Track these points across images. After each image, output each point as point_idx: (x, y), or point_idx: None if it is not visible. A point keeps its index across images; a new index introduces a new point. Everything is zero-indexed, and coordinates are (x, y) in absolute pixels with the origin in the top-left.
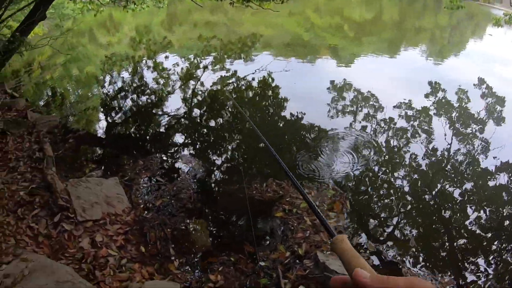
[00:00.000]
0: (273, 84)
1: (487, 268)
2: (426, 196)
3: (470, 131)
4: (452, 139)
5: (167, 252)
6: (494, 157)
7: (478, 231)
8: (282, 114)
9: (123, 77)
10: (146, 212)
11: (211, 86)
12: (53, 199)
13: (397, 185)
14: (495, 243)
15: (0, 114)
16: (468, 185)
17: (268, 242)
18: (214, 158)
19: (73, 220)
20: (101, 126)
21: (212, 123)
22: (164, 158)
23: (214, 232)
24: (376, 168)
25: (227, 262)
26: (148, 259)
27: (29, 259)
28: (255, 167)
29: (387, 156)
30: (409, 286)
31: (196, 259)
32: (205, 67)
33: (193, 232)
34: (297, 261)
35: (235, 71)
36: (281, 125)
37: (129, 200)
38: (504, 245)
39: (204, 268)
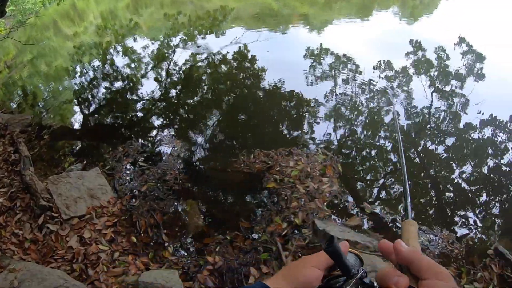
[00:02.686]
0: (249, 56)
1: (476, 221)
2: (411, 155)
3: (450, 89)
4: (432, 96)
5: (159, 238)
6: (478, 112)
7: (464, 185)
8: (261, 84)
9: (93, 65)
10: (132, 200)
11: (184, 64)
12: (34, 201)
13: (382, 145)
14: (483, 195)
15: None
16: (451, 141)
17: (262, 215)
18: (196, 135)
19: (58, 219)
20: (76, 118)
21: (189, 101)
22: (144, 141)
23: (206, 211)
24: (360, 130)
25: (223, 241)
26: (141, 249)
27: (17, 268)
28: (240, 139)
29: (369, 117)
30: (430, 267)
31: (191, 242)
32: (176, 46)
33: (184, 215)
34: (295, 231)
35: (207, 46)
36: (261, 95)
37: (113, 189)
38: (491, 197)
39: (200, 250)
